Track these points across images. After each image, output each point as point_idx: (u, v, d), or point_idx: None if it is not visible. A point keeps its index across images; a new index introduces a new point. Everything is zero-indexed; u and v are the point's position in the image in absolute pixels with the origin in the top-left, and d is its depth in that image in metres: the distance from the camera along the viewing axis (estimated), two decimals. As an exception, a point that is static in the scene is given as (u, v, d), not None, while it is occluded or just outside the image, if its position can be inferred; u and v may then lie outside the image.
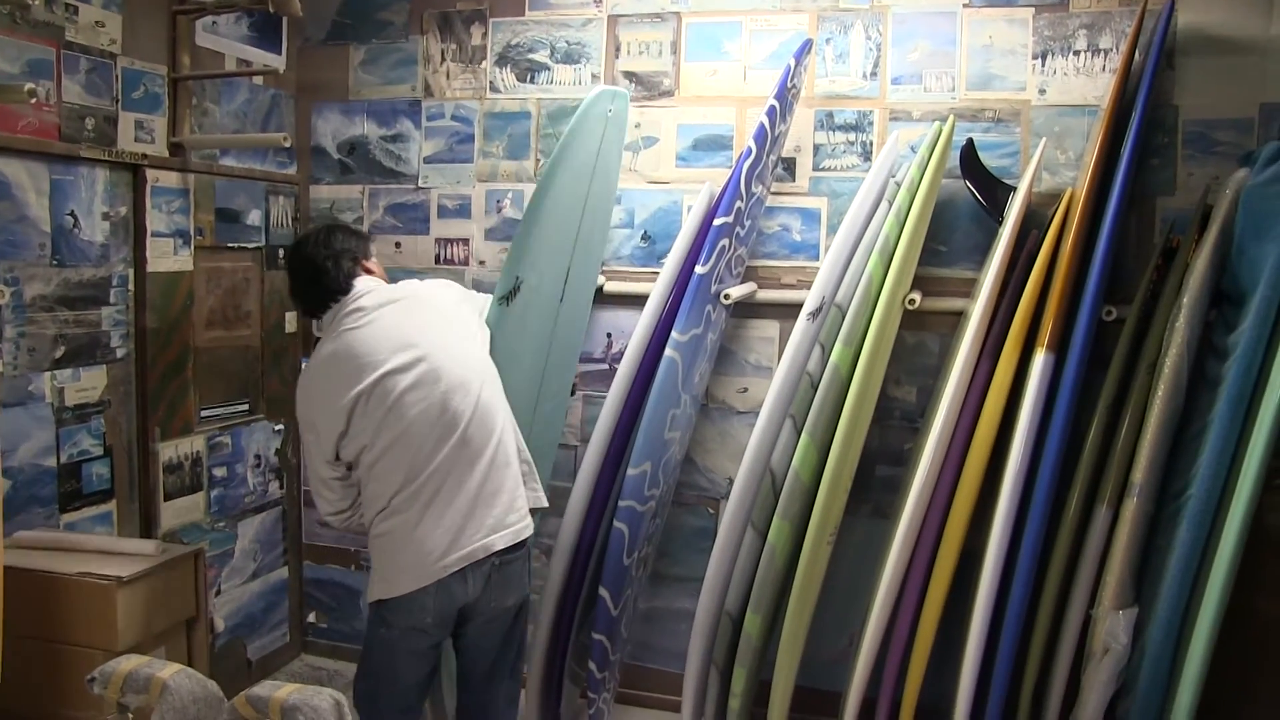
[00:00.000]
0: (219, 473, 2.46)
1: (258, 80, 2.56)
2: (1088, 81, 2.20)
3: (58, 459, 2.03)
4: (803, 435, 2.05)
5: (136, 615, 1.81)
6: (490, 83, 2.59)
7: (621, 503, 2.10)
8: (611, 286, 2.47)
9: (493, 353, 1.95)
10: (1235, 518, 1.70)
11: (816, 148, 2.38)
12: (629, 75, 2.49)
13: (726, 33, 2.42)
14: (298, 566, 2.78)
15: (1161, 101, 2.13)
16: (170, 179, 2.26)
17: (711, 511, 2.50)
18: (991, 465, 2.00)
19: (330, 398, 1.72)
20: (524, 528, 1.81)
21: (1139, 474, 1.87)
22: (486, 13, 2.58)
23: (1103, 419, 2.01)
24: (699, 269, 2.07)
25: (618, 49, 2.49)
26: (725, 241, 2.10)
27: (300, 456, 2.74)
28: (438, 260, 2.66)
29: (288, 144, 2.37)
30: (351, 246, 1.85)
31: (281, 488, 2.69)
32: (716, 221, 2.08)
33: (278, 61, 2.61)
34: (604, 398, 2.28)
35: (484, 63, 2.59)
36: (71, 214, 2.04)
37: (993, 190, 2.19)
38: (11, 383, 1.93)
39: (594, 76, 2.51)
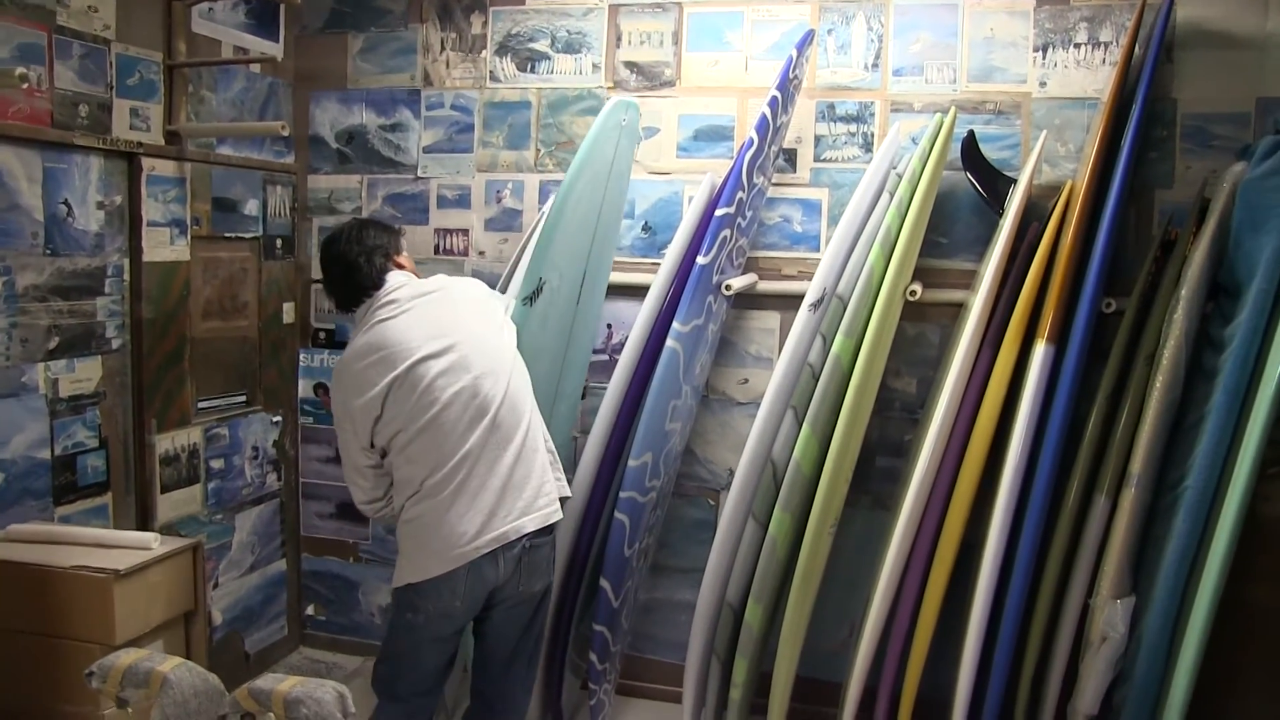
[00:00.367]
0: (216, 465, 2.44)
1: (255, 68, 2.53)
2: (1088, 74, 2.21)
3: (52, 451, 2.01)
4: (804, 426, 2.06)
5: (134, 609, 1.79)
6: (490, 72, 2.58)
7: (622, 494, 2.10)
8: (613, 277, 2.44)
9: (518, 349, 1.95)
10: (1231, 507, 1.71)
11: (818, 139, 2.38)
12: (630, 65, 2.48)
13: (728, 23, 2.41)
14: (296, 559, 2.77)
15: (1160, 95, 2.15)
16: (166, 167, 2.24)
17: (712, 503, 2.50)
18: (991, 456, 2.01)
19: (365, 385, 1.74)
20: (553, 512, 1.83)
21: (1137, 464, 1.89)
22: (487, 1, 2.56)
23: (1101, 410, 2.02)
24: (700, 260, 2.07)
25: (619, 39, 2.48)
26: (727, 232, 2.10)
27: (299, 449, 2.74)
28: (437, 251, 2.65)
29: (286, 133, 2.35)
30: (384, 242, 1.86)
31: (279, 480, 2.68)
32: (718, 212, 2.07)
33: (275, 49, 2.57)
34: (605, 389, 2.27)
35: (484, 52, 2.57)
36: (65, 202, 2.01)
37: (993, 182, 2.20)
38: (4, 374, 1.91)
39: (595, 66, 2.50)
